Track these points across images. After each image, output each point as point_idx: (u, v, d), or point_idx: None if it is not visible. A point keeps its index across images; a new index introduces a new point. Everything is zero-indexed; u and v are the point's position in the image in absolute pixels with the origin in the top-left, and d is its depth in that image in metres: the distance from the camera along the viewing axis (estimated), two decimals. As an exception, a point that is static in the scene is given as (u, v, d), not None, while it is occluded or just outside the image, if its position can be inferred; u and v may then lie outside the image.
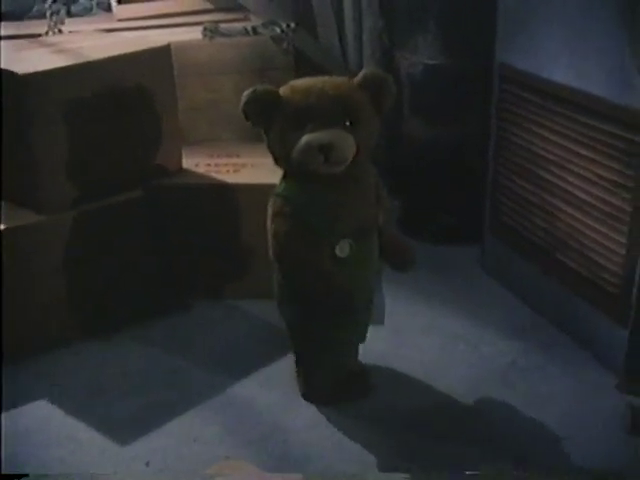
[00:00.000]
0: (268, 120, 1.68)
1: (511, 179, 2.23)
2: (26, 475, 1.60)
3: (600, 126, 1.85)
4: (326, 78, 1.72)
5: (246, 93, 1.66)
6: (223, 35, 2.47)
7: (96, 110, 2.02)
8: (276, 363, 2.01)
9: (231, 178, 2.20)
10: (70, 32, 2.55)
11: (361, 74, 1.70)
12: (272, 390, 1.91)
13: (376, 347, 1.99)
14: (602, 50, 1.81)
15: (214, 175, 2.22)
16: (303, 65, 2.74)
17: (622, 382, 1.90)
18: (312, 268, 1.67)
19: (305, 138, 1.61)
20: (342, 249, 1.69)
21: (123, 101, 2.07)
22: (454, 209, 2.59)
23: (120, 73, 2.05)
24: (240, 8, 2.84)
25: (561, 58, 1.95)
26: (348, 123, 1.63)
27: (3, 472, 1.63)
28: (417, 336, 2.11)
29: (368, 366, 1.93)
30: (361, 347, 1.90)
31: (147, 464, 1.68)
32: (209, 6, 2.88)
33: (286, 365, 1.97)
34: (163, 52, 2.13)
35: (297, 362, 1.88)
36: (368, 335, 1.87)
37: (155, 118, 2.15)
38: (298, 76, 2.66)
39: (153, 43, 2.19)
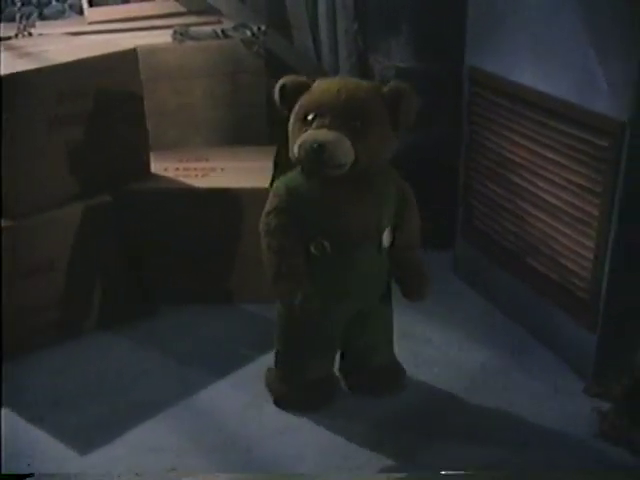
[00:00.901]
0: (292, 108, 1.66)
1: (482, 183, 2.22)
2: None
3: (568, 130, 1.84)
4: (353, 80, 1.72)
5: (284, 77, 1.68)
6: (193, 38, 2.45)
7: (59, 114, 1.99)
8: (243, 369, 1.99)
9: (199, 182, 2.18)
10: (40, 35, 2.52)
11: (389, 85, 1.66)
12: (239, 396, 1.89)
13: None
14: (568, 54, 1.80)
15: (182, 179, 2.20)
16: (275, 68, 2.72)
17: (590, 386, 1.89)
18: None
19: (305, 134, 1.59)
20: (317, 247, 1.66)
21: (87, 105, 2.04)
22: (427, 213, 2.56)
23: (84, 77, 2.02)
24: (213, 11, 2.82)
25: (529, 62, 1.94)
26: (352, 127, 1.58)
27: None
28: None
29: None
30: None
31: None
32: (182, 9, 2.86)
33: (253, 371, 1.96)
34: (129, 56, 2.10)
35: (276, 364, 1.85)
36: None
37: (121, 122, 2.12)
38: (269, 79, 2.68)
39: (120, 46, 2.17)
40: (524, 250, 2.08)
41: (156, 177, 2.22)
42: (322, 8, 2.84)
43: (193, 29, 2.50)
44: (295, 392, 1.84)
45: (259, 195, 2.09)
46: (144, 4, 2.88)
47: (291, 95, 1.66)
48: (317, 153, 1.55)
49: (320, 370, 1.84)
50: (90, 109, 2.05)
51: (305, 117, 1.62)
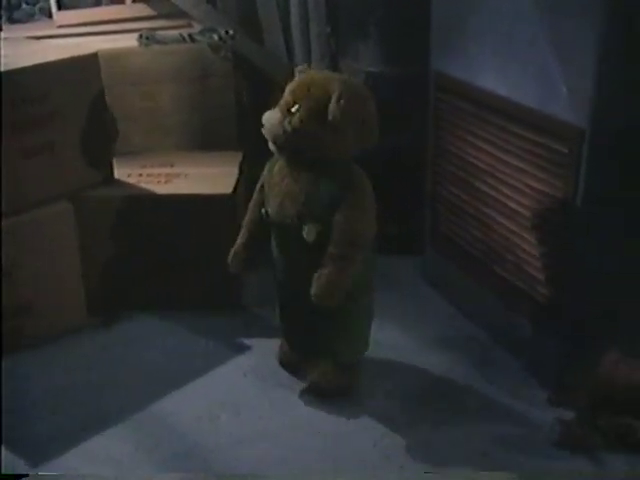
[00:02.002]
0: None
1: (448, 189, 2.20)
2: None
3: (529, 136, 1.83)
4: (324, 73, 1.87)
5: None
6: (159, 42, 2.42)
7: (17, 120, 1.96)
8: (203, 378, 1.96)
9: (160, 188, 2.16)
10: (5, 39, 2.49)
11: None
12: (197, 406, 1.87)
13: None
14: (529, 59, 1.78)
15: (144, 185, 2.17)
16: (244, 72, 2.70)
17: (553, 395, 1.87)
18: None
19: None
20: (265, 213, 1.80)
21: (46, 110, 2.01)
22: (397, 219, 2.55)
23: (43, 82, 2.00)
24: (184, 14, 2.79)
25: (491, 66, 1.92)
26: (292, 110, 1.68)
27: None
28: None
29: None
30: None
31: None
32: (152, 12, 2.83)
33: (212, 381, 1.94)
34: (89, 60, 2.08)
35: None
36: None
37: (82, 127, 2.09)
38: (238, 83, 2.66)
39: (82, 50, 2.14)
40: (488, 256, 2.06)
41: (118, 183, 2.19)
42: (294, 11, 2.81)
43: (159, 33, 2.47)
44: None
45: (219, 201, 2.10)
46: (114, 7, 2.85)
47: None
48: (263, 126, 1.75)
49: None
50: (49, 114, 2.03)
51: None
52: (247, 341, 2.10)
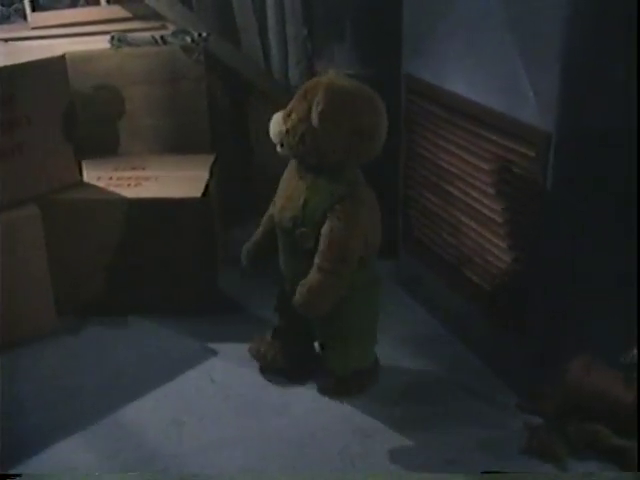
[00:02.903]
0: None
1: (420, 193, 2.19)
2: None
3: (498, 140, 1.81)
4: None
5: None
6: (130, 44, 2.40)
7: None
8: (168, 385, 1.94)
9: (129, 192, 2.14)
10: (-24, 41, 2.47)
11: None
12: (161, 413, 1.84)
13: None
14: (497, 63, 1.77)
15: (113, 189, 2.15)
16: (218, 75, 2.68)
17: (523, 401, 1.86)
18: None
19: None
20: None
21: (14, 113, 1.99)
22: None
23: (10, 84, 1.98)
24: (159, 17, 2.77)
25: (460, 70, 1.91)
26: (289, 112, 1.72)
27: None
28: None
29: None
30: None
31: None
32: (127, 14, 2.81)
33: (177, 387, 1.92)
34: (57, 62, 2.06)
35: None
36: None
37: (51, 130, 2.07)
38: (210, 86, 2.64)
39: (53, 52, 2.12)
40: (460, 261, 2.04)
41: (87, 186, 2.18)
42: (271, 12, 2.79)
43: (131, 35, 2.45)
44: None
45: (188, 205, 2.08)
46: (88, 9, 2.83)
47: None
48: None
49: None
50: (17, 117, 2.01)
51: None
52: (216, 346, 2.08)
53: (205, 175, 2.23)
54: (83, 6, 2.93)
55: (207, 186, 2.17)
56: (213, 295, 2.23)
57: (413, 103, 2.13)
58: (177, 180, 2.20)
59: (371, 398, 1.88)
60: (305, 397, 1.89)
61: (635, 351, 1.79)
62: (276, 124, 1.74)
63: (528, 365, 1.84)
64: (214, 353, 2.05)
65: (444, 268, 2.12)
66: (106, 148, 2.42)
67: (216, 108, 2.67)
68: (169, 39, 2.44)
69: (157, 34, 2.45)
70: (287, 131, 1.71)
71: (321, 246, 1.70)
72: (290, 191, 1.77)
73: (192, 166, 2.30)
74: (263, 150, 2.74)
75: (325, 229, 1.70)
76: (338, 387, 1.89)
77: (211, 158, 2.36)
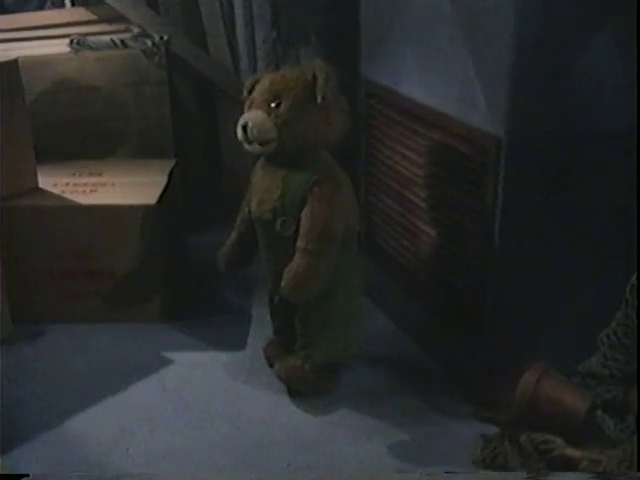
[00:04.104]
0: None
1: (380, 199, 2.17)
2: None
3: (453, 146, 1.80)
4: (285, 70, 1.94)
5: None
6: (90, 48, 2.37)
7: None
8: (122, 393, 1.91)
9: (84, 198, 2.11)
10: None
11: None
12: (110, 423, 1.82)
13: (233, 371, 1.96)
14: (450, 68, 1.76)
15: (67, 195, 2.13)
16: (184, 78, 2.66)
17: (479, 410, 1.83)
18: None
19: (240, 119, 1.76)
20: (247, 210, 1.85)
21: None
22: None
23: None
24: (124, 20, 2.74)
25: (416, 75, 1.90)
26: (272, 105, 1.71)
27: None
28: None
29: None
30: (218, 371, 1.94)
31: None
32: (92, 17, 2.78)
33: (131, 395, 1.90)
34: (10, 66, 2.03)
35: None
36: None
37: (3, 135, 2.04)
38: (177, 90, 2.61)
39: (10, 56, 2.10)
40: (418, 267, 2.02)
41: (41, 193, 2.15)
42: (239, 15, 2.76)
43: (91, 38, 2.42)
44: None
45: (142, 212, 2.05)
46: (52, 12, 2.80)
47: (249, 92, 1.81)
48: (244, 130, 1.72)
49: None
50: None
51: (248, 107, 1.79)
52: (170, 355, 2.05)
53: (163, 181, 2.20)
54: (50, 8, 2.91)
55: (164, 192, 2.14)
56: (171, 301, 2.19)
57: (372, 108, 2.11)
58: (133, 186, 2.17)
59: (321, 406, 1.86)
60: (256, 407, 1.87)
61: (593, 359, 1.77)
62: (264, 120, 1.72)
63: (484, 372, 1.82)
64: (168, 361, 2.03)
65: (402, 274, 2.09)
66: (65, 153, 2.38)
67: (183, 112, 2.64)
68: (129, 42, 2.41)
69: (117, 37, 2.42)
70: (282, 123, 1.71)
71: (303, 229, 1.72)
72: (265, 185, 1.78)
73: (150, 172, 2.27)
74: (232, 153, 2.73)
75: (305, 211, 1.72)
76: (314, 380, 1.88)
77: (171, 163, 2.34)
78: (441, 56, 1.78)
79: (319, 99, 1.70)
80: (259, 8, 2.73)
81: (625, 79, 1.61)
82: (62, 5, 2.85)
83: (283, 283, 1.73)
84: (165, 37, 2.44)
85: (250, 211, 1.83)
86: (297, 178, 1.74)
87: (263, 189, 1.78)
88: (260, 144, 1.73)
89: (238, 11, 2.75)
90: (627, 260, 1.67)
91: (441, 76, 1.79)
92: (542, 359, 1.74)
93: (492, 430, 1.75)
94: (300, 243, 1.72)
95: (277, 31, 2.73)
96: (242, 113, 1.81)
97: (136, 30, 2.60)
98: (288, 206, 1.74)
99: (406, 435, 1.78)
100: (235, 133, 1.77)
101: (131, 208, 2.06)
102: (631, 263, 1.64)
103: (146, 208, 2.06)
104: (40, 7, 2.95)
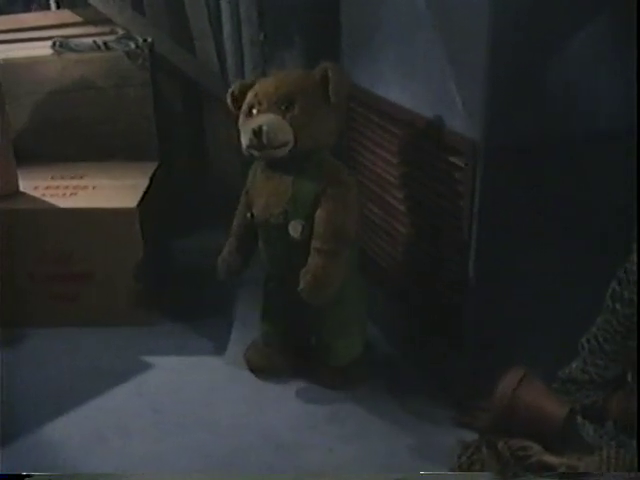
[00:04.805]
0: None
1: (363, 203, 2.14)
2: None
3: (431, 149, 1.78)
4: (288, 71, 1.96)
5: (233, 84, 1.86)
6: (72, 50, 2.36)
7: None
8: (99, 398, 1.90)
9: (64, 202, 2.10)
10: None
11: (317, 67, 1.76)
12: (87, 427, 1.81)
13: (212, 375, 1.95)
14: (428, 72, 1.75)
15: (48, 199, 2.12)
16: (171, 81, 2.65)
17: (458, 415, 1.82)
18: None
19: (246, 124, 1.72)
20: (251, 215, 1.83)
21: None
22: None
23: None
24: (110, 22, 2.72)
25: (396, 78, 1.88)
26: (284, 107, 1.70)
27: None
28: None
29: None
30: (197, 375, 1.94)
31: None
32: (77, 19, 2.76)
33: (107, 400, 1.89)
34: (-13, 69, 2.02)
35: None
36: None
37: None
38: (163, 92, 2.60)
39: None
40: (397, 271, 2.01)
41: (21, 196, 2.14)
42: (226, 17, 2.76)
43: (73, 41, 2.41)
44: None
45: (122, 215, 2.04)
46: (37, 14, 2.79)
47: (239, 97, 1.79)
48: (257, 134, 1.67)
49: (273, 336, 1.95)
50: (-55, 126, 1.97)
51: (250, 111, 1.75)
52: (150, 359, 2.04)
53: (144, 184, 2.19)
54: (37, 10, 2.89)
55: (145, 195, 2.13)
56: (153, 305, 2.18)
57: (352, 111, 2.09)
58: (114, 189, 2.16)
59: (298, 412, 1.85)
60: (232, 413, 1.85)
61: (573, 365, 1.75)
62: (278, 126, 1.69)
63: (464, 377, 1.80)
64: (147, 366, 2.01)
65: (383, 278, 2.08)
66: (47, 155, 2.37)
67: (168, 113, 2.63)
68: (112, 45, 2.39)
69: (100, 40, 2.41)
70: (299, 125, 1.69)
71: (318, 230, 1.72)
72: (271, 188, 1.76)
73: (132, 174, 2.26)
74: (220, 156, 2.72)
75: (320, 213, 1.72)
76: (341, 379, 1.90)
77: (153, 166, 2.32)
78: (420, 59, 1.77)
79: (333, 99, 1.71)
80: (246, 10, 2.73)
81: (617, 78, 1.61)
82: (48, 7, 2.83)
83: (302, 285, 1.72)
84: (149, 39, 2.43)
85: (253, 215, 1.81)
86: (308, 180, 1.74)
87: (269, 193, 1.77)
88: (274, 148, 1.70)
89: (225, 14, 2.75)
90: (610, 263, 1.65)
91: (420, 79, 1.78)
92: (522, 363, 1.73)
93: (472, 436, 1.73)
94: (315, 244, 1.72)
95: (264, 33, 2.73)
96: (236, 120, 1.79)
97: (120, 32, 2.59)
98: (300, 208, 1.73)
99: (383, 441, 1.76)
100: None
101: (111, 211, 2.05)
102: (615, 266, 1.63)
103: (126, 211, 2.04)
104: (26, 9, 2.93)
